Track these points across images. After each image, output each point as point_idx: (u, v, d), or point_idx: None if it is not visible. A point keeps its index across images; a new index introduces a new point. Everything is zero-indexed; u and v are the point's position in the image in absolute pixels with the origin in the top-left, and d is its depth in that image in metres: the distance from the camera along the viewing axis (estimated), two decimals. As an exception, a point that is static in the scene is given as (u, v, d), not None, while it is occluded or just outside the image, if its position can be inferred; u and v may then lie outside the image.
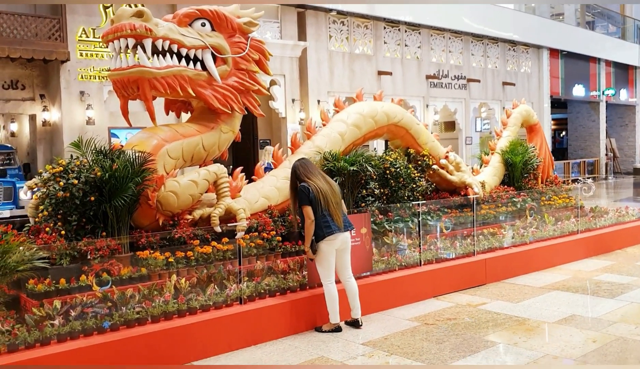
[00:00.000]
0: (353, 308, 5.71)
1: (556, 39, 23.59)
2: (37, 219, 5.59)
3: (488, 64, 21.44)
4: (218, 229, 6.13)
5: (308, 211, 5.38)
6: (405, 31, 18.62)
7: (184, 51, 6.16)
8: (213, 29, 6.46)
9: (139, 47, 5.83)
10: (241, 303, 5.56)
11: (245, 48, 6.66)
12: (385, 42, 18.08)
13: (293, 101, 15.85)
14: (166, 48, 6.00)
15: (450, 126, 22.00)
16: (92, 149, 5.86)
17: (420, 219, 7.15)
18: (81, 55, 12.45)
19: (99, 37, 12.62)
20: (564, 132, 31.87)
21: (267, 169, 8.19)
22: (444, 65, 19.76)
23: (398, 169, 7.71)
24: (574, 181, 17.91)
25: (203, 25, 6.39)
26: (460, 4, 19.57)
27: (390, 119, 8.13)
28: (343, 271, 5.71)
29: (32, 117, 13.33)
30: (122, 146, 6.08)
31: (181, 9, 6.48)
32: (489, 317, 6.08)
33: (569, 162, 24.27)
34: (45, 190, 5.54)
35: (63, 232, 5.34)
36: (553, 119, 27.68)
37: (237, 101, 6.61)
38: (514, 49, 22.44)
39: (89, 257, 5.28)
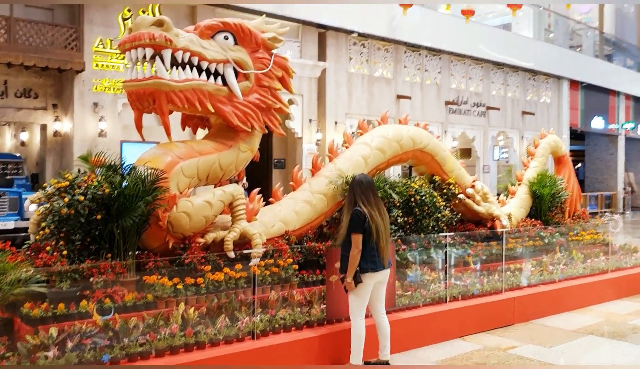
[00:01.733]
0: (384, 348, 5.24)
1: (575, 70, 23.24)
2: (38, 237, 5.19)
3: (508, 93, 21.09)
4: (232, 254, 5.70)
5: (358, 239, 4.95)
6: (426, 56, 18.33)
7: (204, 65, 5.80)
8: (236, 43, 6.10)
9: (157, 57, 5.47)
10: (254, 338, 5.11)
11: (269, 64, 6.31)
12: (405, 66, 17.79)
13: (310, 121, 15.54)
14: (186, 60, 5.64)
15: (466, 153, 21.59)
16: (101, 163, 5.48)
17: (447, 251, 6.69)
18: (97, 66, 12.20)
19: (115, 49, 12.38)
20: (580, 164, 31.35)
21: None
22: (463, 91, 19.42)
23: (423, 197, 7.28)
24: (591, 214, 17.38)
25: (226, 38, 6.04)
26: (480, 32, 19.29)
27: (416, 144, 7.72)
28: (378, 305, 5.28)
29: (43, 127, 13.06)
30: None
31: (204, 20, 6.15)
32: (520, 363, 5.59)
33: (586, 195, 23.75)
34: (48, 205, 5.15)
35: (65, 252, 4.93)
36: (570, 151, 27.21)
37: (257, 119, 6.24)
38: (534, 79, 22.10)
39: (91, 280, 4.86)
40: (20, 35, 11.23)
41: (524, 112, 21.57)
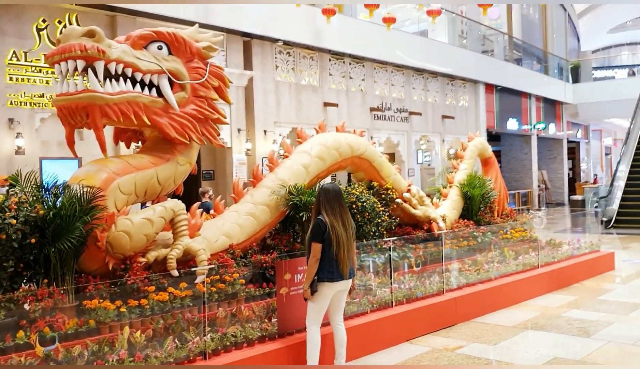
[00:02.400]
0: (339, 355, 5.21)
1: (490, 74, 24.29)
2: (-36, 265, 4.78)
3: (428, 98, 21.72)
4: (175, 273, 5.48)
5: (317, 248, 4.95)
6: (350, 64, 18.57)
7: (138, 76, 5.58)
8: (170, 53, 5.91)
9: (89, 70, 5.20)
10: (205, 358, 4.94)
11: (205, 74, 6.15)
12: (330, 74, 17.94)
13: (239, 130, 15.32)
14: (120, 72, 5.40)
15: (390, 158, 22.01)
16: (32, 183, 5.13)
17: (390, 256, 6.76)
18: (11, 79, 11.47)
19: (31, 61, 11.73)
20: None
21: (205, 208, 7.68)
22: (387, 98, 19.82)
23: (364, 203, 7.33)
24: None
25: (160, 48, 5.83)
26: (399, 39, 19.79)
27: (354, 151, 7.77)
28: (336, 314, 5.26)
29: (-48, 146, 12.12)
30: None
31: (124, 30, 5.91)
32: (469, 362, 5.72)
33: (505, 194, 24.80)
34: (-25, 231, 4.75)
35: (-3, 280, 4.57)
36: (488, 152, 28.36)
37: (195, 131, 6.05)
38: (452, 84, 22.89)
39: (28, 308, 4.52)
40: None
41: (444, 116, 22.28)
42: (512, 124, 26.32)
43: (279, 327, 5.46)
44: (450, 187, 9.80)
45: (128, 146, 6.61)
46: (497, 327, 6.99)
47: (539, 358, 5.79)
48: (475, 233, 8.94)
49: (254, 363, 5.01)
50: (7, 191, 5.03)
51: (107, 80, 5.33)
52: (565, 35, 33.57)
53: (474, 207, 9.63)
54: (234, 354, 5.07)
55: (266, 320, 5.56)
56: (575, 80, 31.88)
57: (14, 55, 11.51)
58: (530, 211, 12.75)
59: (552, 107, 29.98)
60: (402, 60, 19.92)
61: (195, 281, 5.51)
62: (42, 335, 4.37)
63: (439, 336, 6.63)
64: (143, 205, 7.30)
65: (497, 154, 31.00)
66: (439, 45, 22.42)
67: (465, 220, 9.52)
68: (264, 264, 6.28)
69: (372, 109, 19.13)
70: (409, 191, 8.48)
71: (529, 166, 28.09)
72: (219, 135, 6.39)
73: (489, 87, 24.70)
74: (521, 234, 9.87)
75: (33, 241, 4.72)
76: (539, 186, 28.35)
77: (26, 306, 4.50)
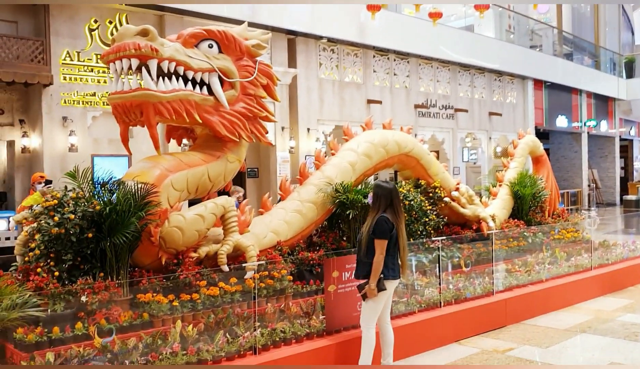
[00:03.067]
0: (387, 356, 5.14)
1: (539, 70, 23.69)
2: (27, 258, 4.96)
3: (475, 94, 21.36)
4: (225, 268, 5.57)
5: (384, 245, 4.88)
6: (395, 60, 18.43)
7: (190, 74, 5.67)
8: (220, 51, 5.98)
9: (143, 68, 5.31)
10: (255, 353, 4.98)
11: (254, 72, 6.20)
12: (374, 71, 17.84)
13: (283, 128, 15.41)
14: (172, 70, 5.50)
15: (435, 156, 21.75)
16: (88, 179, 5.28)
17: (439, 256, 6.68)
18: (65, 79, 11.84)
19: (83, 61, 12.07)
20: (545, 163, 31.96)
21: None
22: (432, 94, 19.59)
23: (411, 202, 7.26)
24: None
25: (210, 46, 5.91)
26: (446, 35, 19.52)
27: (401, 148, 7.71)
28: (386, 313, 5.20)
29: (10, 143, 12.58)
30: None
31: (172, 29, 6.00)
32: (522, 365, 5.59)
33: (553, 193, 24.20)
34: (36, 225, 4.92)
35: (57, 273, 4.72)
36: (535, 150, 27.72)
37: (244, 128, 6.12)
38: (499, 80, 22.45)
39: (85, 301, 4.65)
40: (-16, 49, 10.81)
41: (491, 113, 21.88)
42: (561, 122, 25.65)
43: (327, 324, 5.46)
44: (500, 186, 9.61)
45: (179, 143, 6.74)
46: (548, 330, 6.82)
47: (595, 362, 5.62)
48: (525, 233, 8.75)
49: (302, 359, 5.03)
50: (65, 187, 5.17)
51: (160, 78, 5.42)
52: (618, 28, 32.43)
53: (525, 207, 9.43)
54: (283, 350, 5.10)
55: (314, 317, 5.56)
56: (629, 75, 30.72)
57: (67, 55, 11.87)
58: (583, 211, 12.37)
59: (604, 104, 29.04)
60: (448, 56, 19.64)
61: (245, 277, 5.58)
62: (100, 327, 4.48)
63: (488, 338, 6.52)
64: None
65: (546, 152, 30.25)
66: (485, 40, 22.00)
67: (516, 220, 9.32)
68: (311, 261, 6.29)
69: (416, 106, 18.93)
70: (457, 189, 8.36)
71: (578, 165, 27.32)
72: (267, 133, 6.44)
73: (538, 83, 24.12)
74: (573, 234, 9.61)
75: (90, 235, 4.85)
76: (589, 186, 27.54)
77: (83, 299, 4.63)
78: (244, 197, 11.56)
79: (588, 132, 27.56)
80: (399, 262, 5.05)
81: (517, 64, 22.49)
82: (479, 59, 20.79)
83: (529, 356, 5.85)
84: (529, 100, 23.58)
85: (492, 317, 6.88)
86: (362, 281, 4.97)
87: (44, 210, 4.87)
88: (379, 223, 4.90)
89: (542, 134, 27.59)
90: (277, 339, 5.17)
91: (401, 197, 7.22)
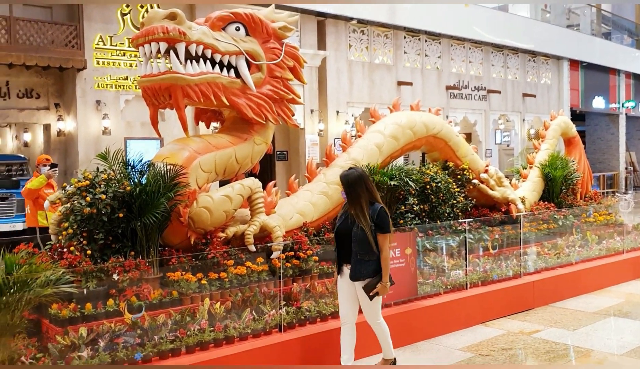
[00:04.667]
0: (390, 346, 4.89)
1: (575, 50, 23.14)
2: (60, 237, 5.14)
3: (508, 75, 21.01)
4: (252, 248, 5.66)
5: (389, 239, 4.63)
6: (426, 41, 18.23)
7: (217, 57, 5.73)
8: (247, 34, 6.03)
9: (171, 52, 5.40)
10: (281, 331, 5.09)
11: (280, 54, 6.23)
12: (405, 52, 17.69)
13: (312, 111, 15.44)
14: (200, 53, 5.57)
15: (467, 138, 21.50)
16: (119, 161, 5.42)
17: (466, 237, 6.67)
18: (98, 63, 12.09)
19: (116, 45, 12.28)
20: (580, 145, 31.25)
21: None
22: (464, 75, 19.34)
23: (439, 184, 7.24)
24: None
25: (237, 29, 5.96)
26: (478, 14, 19.17)
27: (429, 130, 7.67)
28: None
29: (47, 127, 12.95)
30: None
31: (202, 12, 6.06)
32: (547, 347, 5.57)
33: (588, 176, 23.71)
34: (69, 205, 5.09)
35: (89, 251, 4.89)
36: (571, 132, 27.12)
37: (271, 111, 6.17)
38: (534, 60, 22.01)
39: (116, 279, 4.81)
40: (21, 35, 11.10)
41: (525, 95, 21.50)
42: (598, 103, 25.04)
43: (352, 304, 5.51)
44: (531, 168, 9.49)
45: (208, 126, 6.83)
46: (577, 312, 6.77)
47: (622, 345, 5.57)
48: (556, 216, 8.64)
49: (327, 337, 5.11)
50: (97, 168, 5.32)
51: (188, 61, 5.50)
52: (660, 6, 31.33)
53: (556, 189, 9.29)
54: (309, 328, 5.20)
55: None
56: (671, 54, 29.72)
57: (100, 39, 12.10)
58: (618, 194, 12.10)
59: (643, 85, 28.24)
60: (481, 36, 19.33)
61: (271, 257, 5.68)
62: (130, 304, 4.64)
63: (515, 320, 6.50)
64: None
65: (582, 134, 29.46)
66: (520, 19, 21.55)
67: (546, 202, 9.20)
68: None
69: (448, 88, 18.73)
70: (486, 171, 8.28)
71: (615, 147, 26.68)
72: (293, 115, 6.48)
73: (574, 63, 23.55)
74: (605, 217, 9.44)
75: (121, 215, 4.99)
76: (626, 168, 26.88)
77: (115, 276, 4.79)
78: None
79: (626, 114, 26.85)
80: None
81: (553, 43, 21.99)
82: (513, 39, 20.41)
83: (556, 338, 5.82)
84: (564, 81, 23.08)
85: (519, 299, 6.85)
86: (363, 281, 4.59)
87: (76, 190, 5.03)
88: (382, 216, 4.57)
89: (578, 116, 27.00)
90: (302, 317, 5.27)
91: (428, 180, 7.23)
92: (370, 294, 4.56)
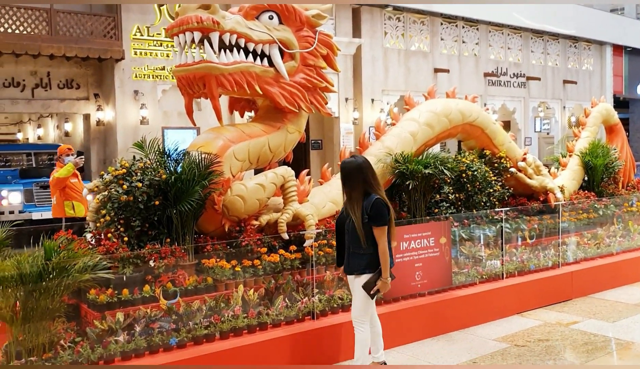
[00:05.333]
0: (381, 347, 4.66)
1: (618, 35, 22.42)
2: (98, 224, 5.27)
3: (548, 62, 20.51)
4: (285, 236, 5.68)
5: (385, 232, 4.32)
6: (463, 27, 17.93)
7: (251, 46, 5.74)
8: (280, 22, 6.03)
9: (205, 41, 5.44)
10: (314, 318, 5.11)
11: (314, 42, 6.21)
12: (442, 39, 17.44)
13: (347, 100, 15.39)
14: (233, 42, 5.59)
15: (505, 125, 21.12)
16: (155, 150, 5.50)
17: (502, 227, 6.56)
18: (135, 53, 12.29)
19: (153, 36, 12.45)
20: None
21: None
22: (502, 62, 18.97)
23: (475, 173, 7.13)
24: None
25: (271, 18, 5.96)
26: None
27: (465, 117, 7.54)
28: (374, 305, 4.67)
29: (86, 117, 13.26)
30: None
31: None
32: (585, 339, 5.45)
33: (631, 165, 23.01)
34: (106, 193, 5.20)
35: (126, 238, 4.99)
36: (614, 119, 26.32)
37: (304, 99, 6.16)
38: (575, 46, 21.43)
39: (153, 265, 4.90)
40: (61, 26, 11.36)
41: (566, 81, 20.97)
42: (643, 89, 24.25)
43: (385, 293, 5.50)
44: (570, 156, 9.25)
45: (242, 115, 6.87)
46: (617, 304, 6.60)
47: (665, 338, 5.42)
48: (596, 205, 8.42)
49: (360, 326, 5.10)
50: (134, 157, 5.42)
51: (222, 50, 5.54)
52: None
53: (596, 178, 9.04)
54: (341, 316, 5.21)
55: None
56: None
57: (137, 30, 12.27)
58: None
59: (691, 70, 27.17)
60: (520, 22, 18.91)
61: (304, 245, 5.69)
62: (165, 290, 4.72)
63: (552, 311, 6.38)
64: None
65: (625, 122, 28.58)
66: (560, 4, 20.98)
67: (586, 191, 8.97)
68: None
69: (486, 75, 18.41)
70: (524, 159, 8.10)
71: (661, 135, 25.82)
72: (326, 103, 6.45)
73: (617, 48, 22.82)
74: (649, 207, 9.15)
75: (157, 203, 5.07)
76: (672, 157, 25.96)
77: (151, 263, 4.88)
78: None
79: (673, 100, 25.92)
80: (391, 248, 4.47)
81: (595, 28, 21.36)
82: (553, 25, 19.90)
83: (595, 329, 5.69)
84: (607, 67, 22.41)
85: (557, 290, 6.72)
86: (356, 275, 4.39)
87: (113, 179, 5.13)
88: (377, 207, 4.27)
89: (621, 103, 26.18)
90: (335, 305, 5.28)
91: (464, 168, 7.11)
92: (372, 292, 4.31)
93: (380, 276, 4.31)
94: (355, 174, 4.40)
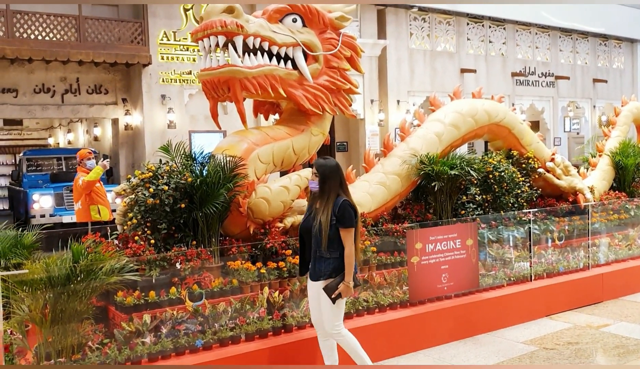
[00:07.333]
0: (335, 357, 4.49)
1: (651, 32, 21.94)
2: (125, 227, 5.34)
3: (577, 60, 20.17)
4: (310, 238, 5.68)
5: (353, 234, 4.21)
6: (490, 27, 17.74)
7: (275, 49, 5.77)
8: (304, 25, 6.04)
9: (229, 45, 5.48)
10: (340, 321, 5.08)
11: (337, 45, 6.21)
12: (468, 39, 17.29)
13: (372, 101, 15.35)
14: (257, 46, 5.63)
15: (534, 125, 20.82)
16: (181, 153, 5.56)
17: (530, 228, 6.46)
18: (162, 58, 12.45)
19: (179, 40, 12.60)
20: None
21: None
22: (530, 62, 18.71)
23: (502, 173, 7.04)
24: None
25: (294, 21, 5.98)
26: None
27: (491, 118, 7.45)
28: None
29: (115, 121, 13.48)
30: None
31: (261, 5, 6.11)
32: (617, 342, 5.34)
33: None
34: (133, 196, 5.28)
35: (153, 241, 5.05)
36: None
37: (328, 101, 6.16)
38: (605, 44, 21.03)
39: (179, 267, 4.96)
40: (90, 33, 11.58)
41: (596, 80, 20.59)
42: (676, 87, 23.65)
43: (410, 295, 5.47)
44: (600, 156, 9.07)
45: (267, 118, 6.91)
46: (650, 307, 6.45)
47: (700, 342, 5.27)
48: (627, 206, 8.24)
49: (385, 327, 5.09)
50: (160, 160, 5.48)
51: (246, 54, 5.57)
52: None
53: (627, 178, 8.85)
54: (366, 319, 5.19)
55: (397, 288, 5.59)
56: None
57: (164, 35, 12.44)
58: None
59: None
60: (548, 21, 18.64)
61: (329, 247, 5.68)
62: (191, 292, 4.77)
63: (582, 313, 6.26)
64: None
65: (658, 120, 28.07)
66: (589, 2, 20.62)
67: (617, 192, 8.79)
68: (395, 233, 6.29)
69: (513, 74, 18.18)
70: (552, 160, 7.97)
71: (696, 133, 25.16)
72: (350, 105, 6.45)
73: (649, 46, 22.34)
74: (683, 208, 8.90)
75: (183, 206, 5.13)
76: None
77: (177, 265, 4.93)
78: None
79: None
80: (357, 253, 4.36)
81: (626, 26, 20.94)
82: (583, 23, 19.55)
83: (626, 332, 5.57)
84: (638, 65, 21.93)
85: (587, 292, 6.59)
86: (323, 281, 4.22)
87: (140, 182, 5.20)
88: (344, 209, 4.17)
89: (653, 101, 25.60)
90: (360, 308, 5.27)
91: (490, 169, 7.04)
92: (333, 296, 4.15)
93: (342, 280, 4.18)
94: (335, 174, 4.30)
